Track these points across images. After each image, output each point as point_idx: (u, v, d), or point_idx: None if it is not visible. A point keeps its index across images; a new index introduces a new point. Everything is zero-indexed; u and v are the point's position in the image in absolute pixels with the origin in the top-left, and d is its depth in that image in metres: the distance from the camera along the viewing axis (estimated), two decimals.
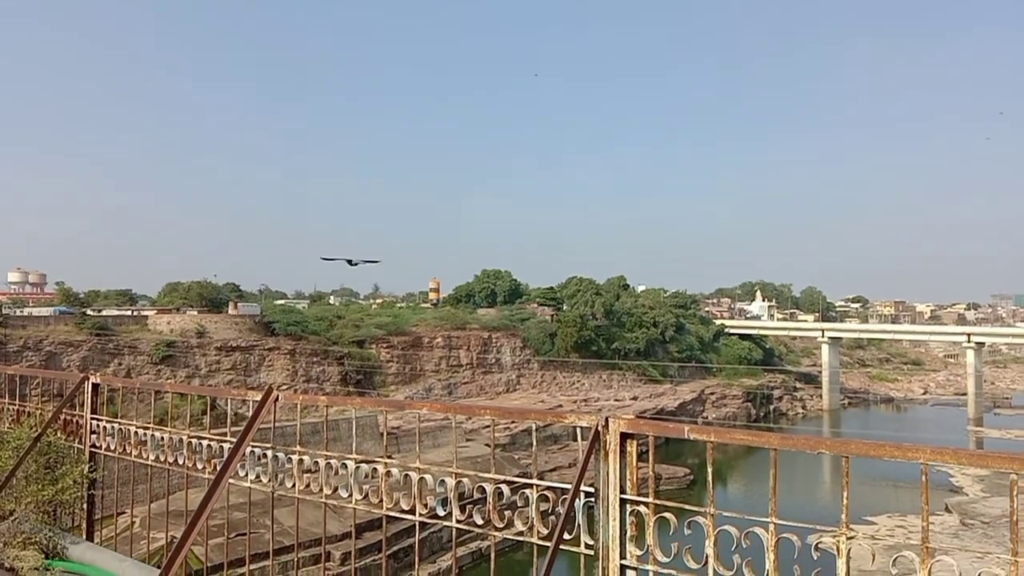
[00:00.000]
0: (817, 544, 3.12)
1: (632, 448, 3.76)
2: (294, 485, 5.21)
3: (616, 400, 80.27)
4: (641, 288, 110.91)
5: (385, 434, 6.12)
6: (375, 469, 4.92)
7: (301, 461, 5.21)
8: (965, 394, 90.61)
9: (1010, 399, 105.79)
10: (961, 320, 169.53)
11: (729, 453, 61.11)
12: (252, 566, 29.84)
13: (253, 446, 5.40)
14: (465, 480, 4.56)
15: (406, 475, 4.71)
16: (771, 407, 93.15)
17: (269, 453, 5.36)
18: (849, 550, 3.02)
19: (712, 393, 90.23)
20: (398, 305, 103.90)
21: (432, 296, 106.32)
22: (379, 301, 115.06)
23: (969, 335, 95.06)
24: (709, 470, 3.47)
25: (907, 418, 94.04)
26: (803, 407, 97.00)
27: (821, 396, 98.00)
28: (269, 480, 5.35)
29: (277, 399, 5.47)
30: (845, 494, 3.05)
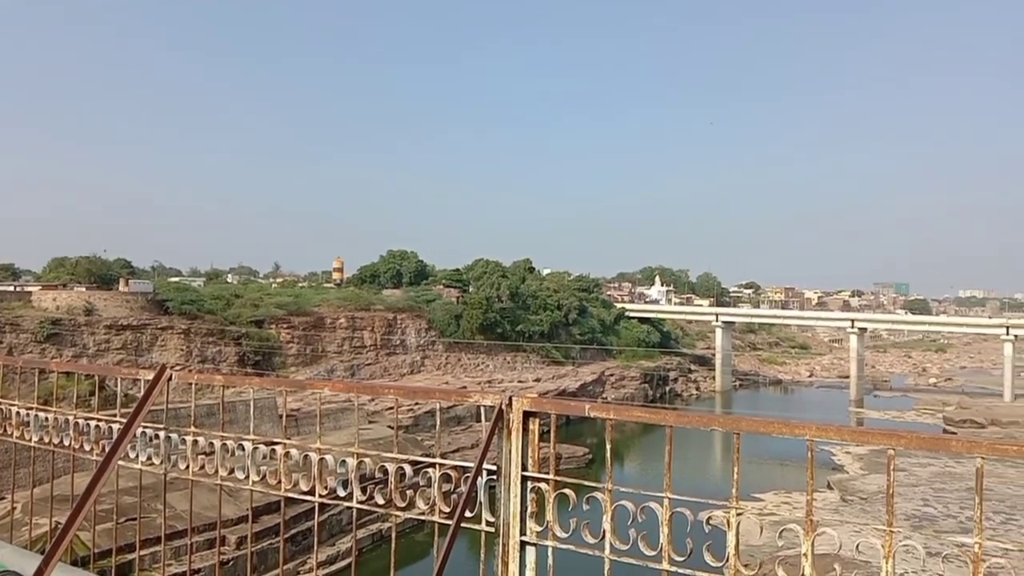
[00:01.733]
0: (709, 519, 3.24)
1: (534, 426, 3.81)
2: (187, 467, 5.04)
3: (520, 381, 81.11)
4: (546, 271, 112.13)
5: (284, 415, 5.99)
6: (273, 450, 4.81)
7: (195, 442, 5.04)
8: (848, 377, 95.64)
9: (889, 382, 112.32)
10: (846, 307, 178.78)
11: (627, 432, 62.73)
12: (143, 551, 28.89)
13: (145, 427, 5.19)
14: (367, 461, 4.52)
15: (305, 456, 4.63)
16: (667, 388, 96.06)
17: (161, 434, 5.16)
18: (739, 524, 3.15)
19: (612, 375, 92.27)
20: (300, 285, 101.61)
21: (336, 276, 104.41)
22: (280, 280, 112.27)
23: (853, 321, 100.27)
24: (608, 447, 3.56)
25: (794, 399, 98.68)
26: (697, 388, 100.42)
27: (714, 378, 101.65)
28: (161, 462, 5.15)
29: (171, 378, 5.26)
30: (736, 469, 3.18)
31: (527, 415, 3.76)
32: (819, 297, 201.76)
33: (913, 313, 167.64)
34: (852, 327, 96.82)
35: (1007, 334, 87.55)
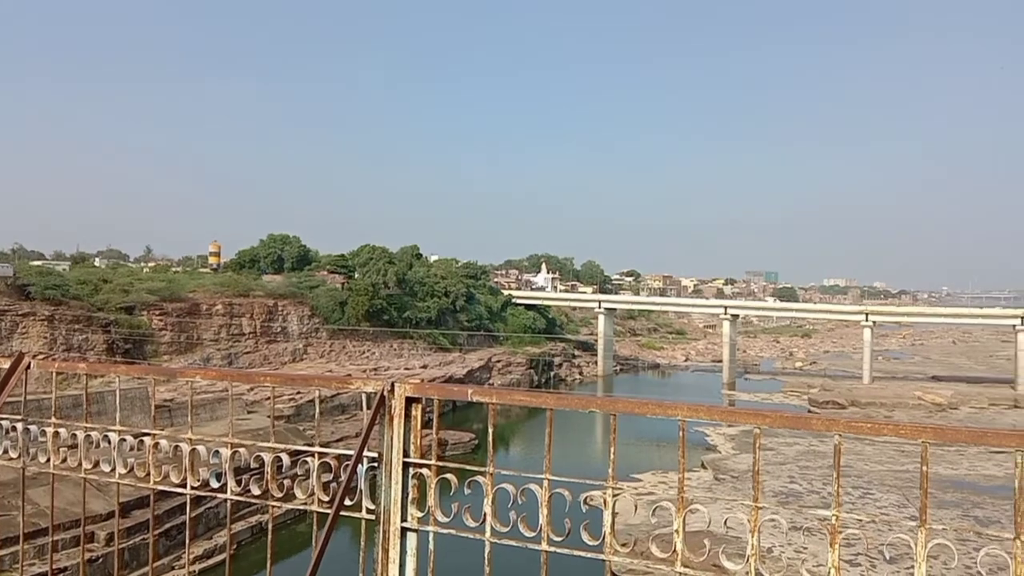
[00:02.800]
0: (586, 499, 3.31)
1: (417, 412, 3.78)
2: (48, 460, 4.73)
3: (407, 368, 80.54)
4: (434, 258, 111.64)
5: (153, 404, 5.71)
6: (142, 441, 4.59)
7: (56, 434, 4.74)
8: (721, 361, 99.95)
9: (758, 365, 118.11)
10: (720, 294, 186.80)
11: (512, 417, 63.47)
12: (2, 551, 27.03)
13: (1, 419, 4.84)
14: (242, 451, 4.37)
15: (176, 447, 4.44)
16: (552, 373, 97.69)
17: (19, 426, 4.82)
18: (615, 503, 3.23)
19: (499, 361, 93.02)
20: (173, 269, 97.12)
21: (212, 260, 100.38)
22: (152, 265, 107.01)
23: (726, 308, 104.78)
24: (490, 431, 3.58)
25: (671, 383, 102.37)
26: (580, 373, 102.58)
27: (597, 363, 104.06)
28: (19, 456, 4.82)
29: (29, 367, 4.92)
30: (612, 450, 3.26)
31: (409, 401, 3.72)
32: (695, 285, 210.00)
33: (781, 300, 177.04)
34: (725, 313, 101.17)
35: (866, 320, 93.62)
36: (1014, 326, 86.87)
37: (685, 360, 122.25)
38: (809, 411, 64.48)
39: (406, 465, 3.70)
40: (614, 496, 3.23)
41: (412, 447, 3.73)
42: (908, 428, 2.94)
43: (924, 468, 2.91)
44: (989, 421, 64.15)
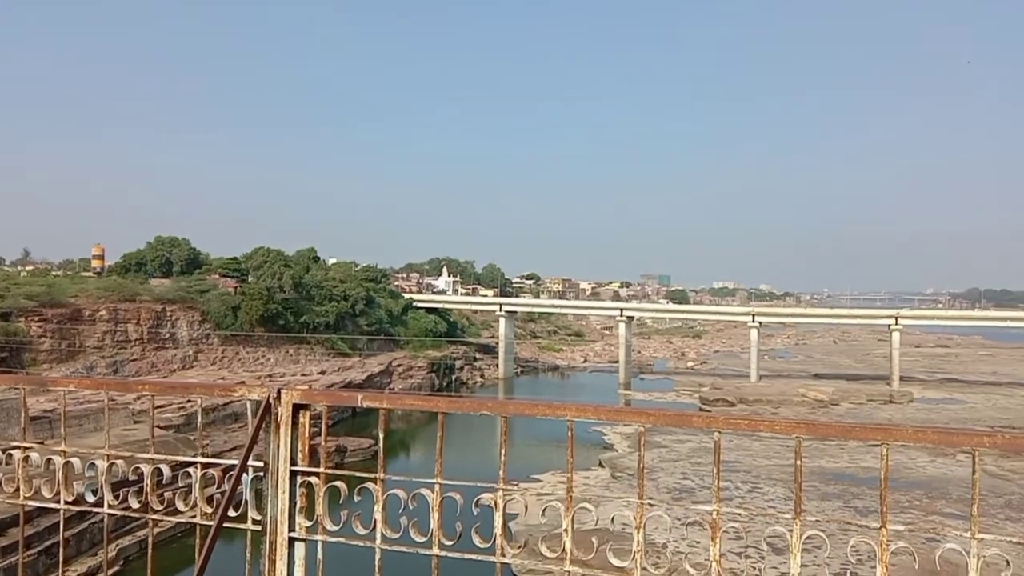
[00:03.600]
0: (477, 500, 3.32)
1: (305, 419, 3.69)
2: None
3: (304, 375, 78.66)
4: (332, 261, 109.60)
5: (25, 415, 5.37)
6: (10, 454, 4.32)
7: None
8: (617, 362, 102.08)
9: (652, 365, 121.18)
10: (616, 296, 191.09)
11: (412, 422, 62.97)
12: None
13: None
14: (119, 463, 4.17)
15: (48, 460, 4.20)
16: (453, 377, 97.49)
17: None
18: (505, 504, 3.24)
19: (399, 365, 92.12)
20: (53, 273, 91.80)
21: (96, 264, 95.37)
22: (30, 268, 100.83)
23: (622, 310, 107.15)
24: (380, 436, 3.53)
25: (570, 384, 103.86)
26: (482, 376, 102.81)
27: (498, 365, 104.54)
28: None
29: None
30: (503, 452, 3.27)
31: (297, 408, 3.63)
32: (593, 288, 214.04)
33: (674, 303, 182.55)
34: (621, 315, 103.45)
35: (753, 321, 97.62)
36: (889, 326, 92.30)
37: (584, 361, 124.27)
38: (700, 409, 66.59)
39: (294, 474, 3.61)
40: (505, 498, 3.25)
41: (300, 455, 3.64)
42: (783, 424, 3.08)
43: (798, 462, 3.05)
44: (867, 416, 67.95)
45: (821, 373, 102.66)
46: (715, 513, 3.07)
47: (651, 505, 3.19)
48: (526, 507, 3.32)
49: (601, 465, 49.45)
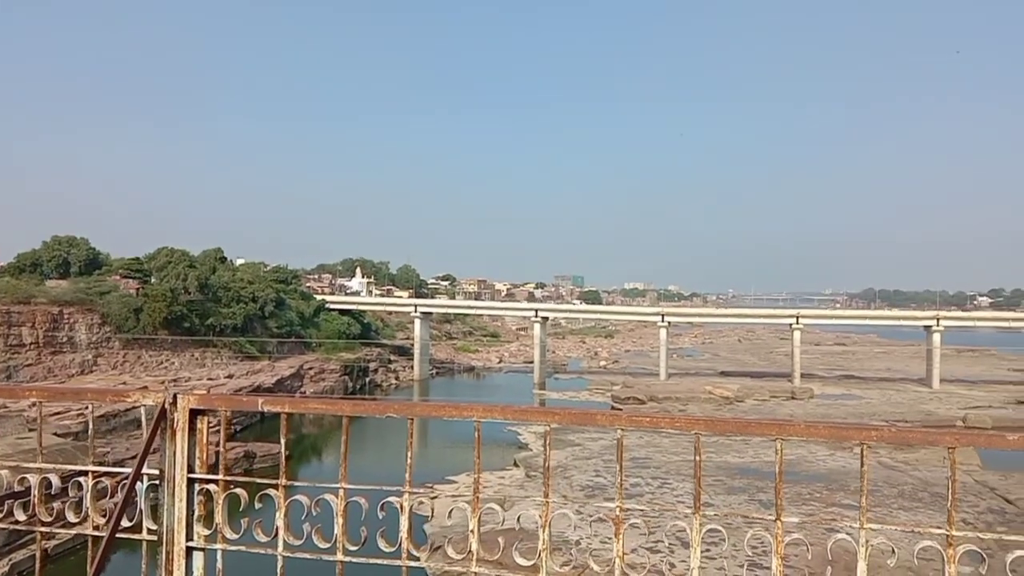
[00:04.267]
0: (383, 504, 3.28)
1: (203, 425, 3.58)
2: None
3: (210, 379, 76.19)
4: (240, 261, 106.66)
5: None
6: None
7: None
8: (532, 362, 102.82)
9: (567, 365, 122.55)
10: (531, 297, 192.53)
11: (325, 426, 61.83)
12: None
13: None
14: (3, 472, 3.95)
15: None
16: (367, 379, 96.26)
17: None
18: (411, 507, 3.22)
19: (311, 368, 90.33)
20: None
21: None
22: None
23: (537, 311, 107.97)
24: (282, 441, 3.45)
25: (485, 384, 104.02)
26: (396, 378, 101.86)
27: (413, 367, 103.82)
28: None
29: None
30: (409, 454, 3.24)
31: (194, 413, 3.51)
32: (508, 289, 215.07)
33: (587, 303, 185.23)
34: (536, 316, 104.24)
35: (662, 321, 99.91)
36: (790, 325, 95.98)
37: (499, 362, 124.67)
38: (612, 407, 67.67)
39: (191, 481, 3.49)
40: (411, 501, 3.22)
41: (198, 462, 3.52)
42: (683, 421, 3.15)
43: (697, 458, 3.13)
44: (770, 411, 70.46)
45: (727, 371, 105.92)
46: (618, 510, 3.12)
47: (557, 503, 3.21)
48: (432, 510, 3.29)
49: (516, 465, 49.67)
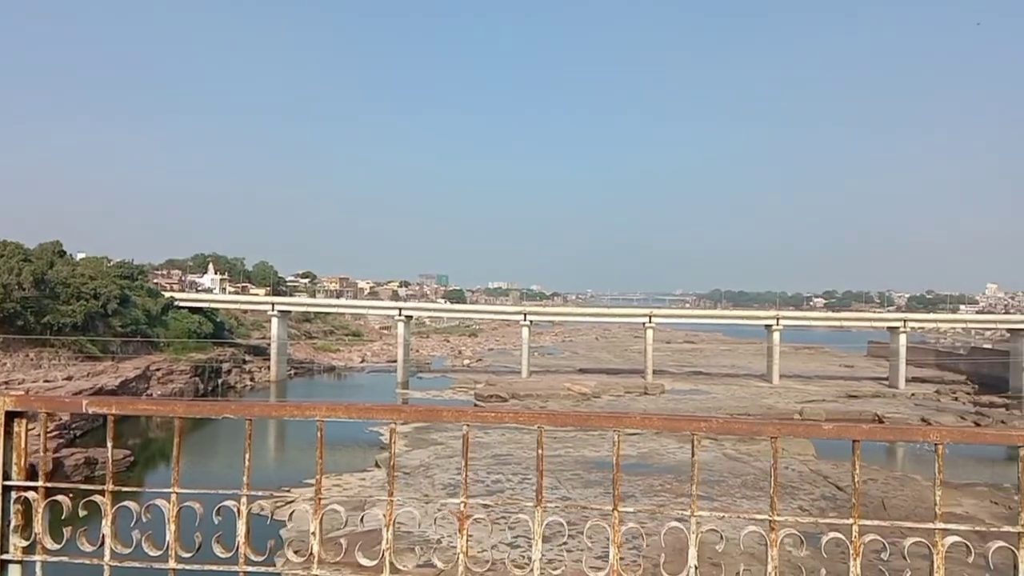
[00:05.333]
0: (217, 509, 3.16)
1: (22, 428, 3.32)
2: None
3: (47, 381, 70.83)
4: (81, 256, 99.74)
5: None
6: None
7: None
8: (396, 361, 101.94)
9: (430, 364, 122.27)
10: (395, 296, 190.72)
11: (172, 430, 58.76)
12: None
13: None
14: None
15: None
16: (220, 380, 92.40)
17: None
18: (249, 510, 3.12)
19: (158, 369, 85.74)
20: None
21: None
22: None
23: (400, 309, 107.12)
24: (109, 445, 3.26)
25: (346, 384, 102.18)
26: (252, 379, 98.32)
27: (270, 368, 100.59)
28: None
29: None
30: (247, 456, 3.15)
31: (11, 415, 3.26)
32: (371, 287, 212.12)
33: (452, 302, 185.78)
34: (400, 315, 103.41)
35: (524, 320, 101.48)
36: (644, 323, 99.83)
37: (361, 361, 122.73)
38: (475, 404, 68.05)
39: (6, 489, 3.24)
40: (248, 504, 3.12)
41: (15, 468, 3.27)
42: (526, 415, 3.22)
43: (539, 451, 3.20)
44: (624, 406, 73.00)
45: (585, 368, 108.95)
46: (463, 506, 3.15)
47: (401, 501, 3.20)
48: (271, 513, 3.21)
49: (377, 465, 49.06)
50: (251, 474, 3.11)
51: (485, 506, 3.29)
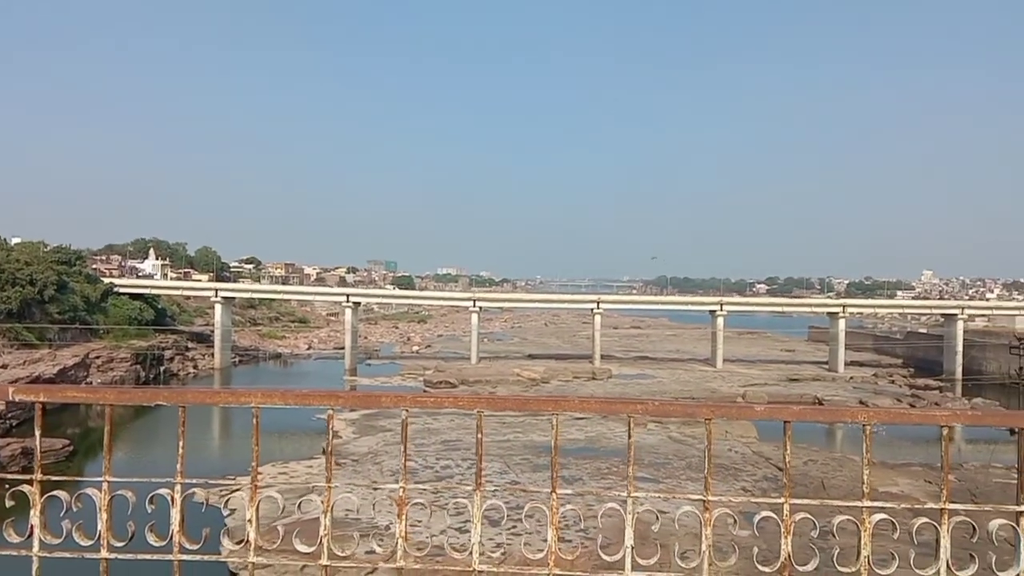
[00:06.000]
0: (151, 497, 3.11)
1: None
2: None
3: None
4: (16, 241, 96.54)
5: None
6: None
7: None
8: (343, 348, 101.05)
9: (379, 350, 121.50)
10: (342, 282, 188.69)
11: (118, 418, 57.38)
12: None
13: None
14: None
15: None
16: (162, 368, 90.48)
17: None
18: (183, 500, 3.08)
19: (98, 357, 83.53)
20: None
21: None
22: None
23: (348, 296, 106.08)
24: (37, 434, 3.18)
25: (293, 372, 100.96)
26: (195, 367, 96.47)
27: (214, 355, 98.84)
28: None
29: None
30: (181, 443, 3.10)
31: None
32: (318, 273, 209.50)
33: (400, 288, 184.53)
34: (347, 301, 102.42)
35: (474, 306, 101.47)
36: (592, 309, 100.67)
37: (308, 348, 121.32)
38: (424, 391, 67.96)
39: None
40: (184, 492, 3.07)
41: None
42: (466, 399, 3.23)
43: (479, 436, 3.22)
44: (572, 391, 73.64)
45: (534, 354, 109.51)
46: (402, 491, 3.15)
47: (340, 488, 3.19)
48: (206, 500, 3.16)
49: (324, 452, 48.74)
50: (185, 462, 3.07)
51: (424, 491, 3.29)
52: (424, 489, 3.27)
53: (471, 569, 3.17)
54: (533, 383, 77.29)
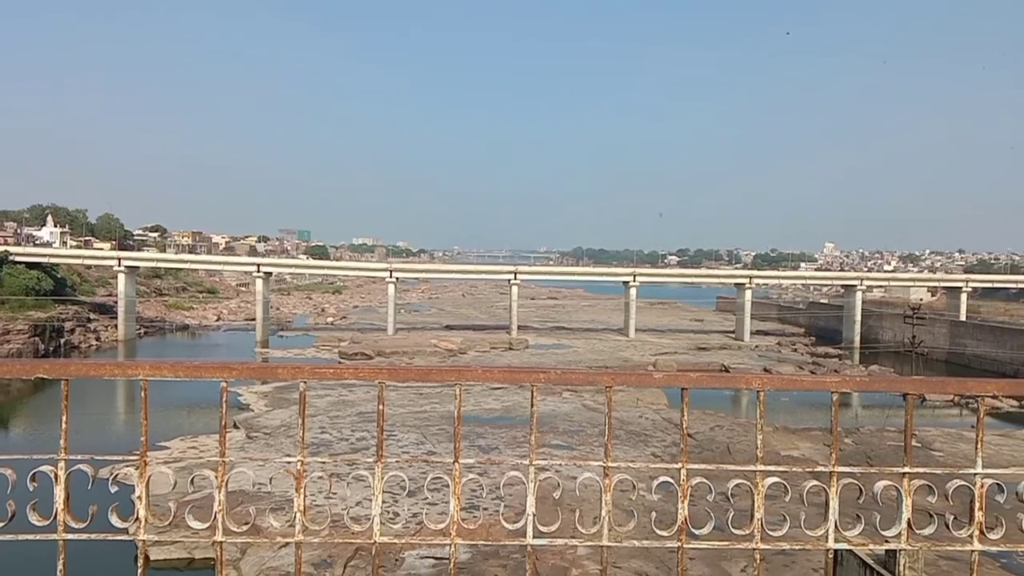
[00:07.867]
0: (34, 475, 2.97)
1: None
2: None
3: None
4: None
5: None
6: None
7: None
8: (254, 319, 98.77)
9: (292, 322, 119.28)
10: (253, 252, 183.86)
11: (13, 393, 55.06)
12: None
13: None
14: None
15: None
16: (63, 340, 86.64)
17: None
18: (68, 476, 2.95)
19: None
20: None
21: None
22: None
23: (259, 265, 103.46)
24: None
25: (202, 344, 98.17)
26: (98, 339, 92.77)
27: (117, 327, 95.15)
28: None
29: None
30: (64, 418, 2.96)
31: None
32: (227, 242, 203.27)
33: (314, 258, 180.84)
34: (258, 271, 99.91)
35: (391, 277, 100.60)
36: (509, 280, 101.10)
37: (217, 320, 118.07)
38: (339, 363, 67.12)
39: None
40: (67, 469, 2.94)
41: None
42: (367, 370, 3.19)
43: (381, 407, 3.18)
44: (489, 361, 74.06)
45: (452, 324, 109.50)
46: (300, 464, 3.10)
47: (233, 462, 3.11)
48: (93, 477, 3.04)
49: (236, 427, 47.71)
50: (68, 437, 2.93)
51: (324, 464, 3.25)
52: (323, 462, 3.22)
53: (371, 541, 3.16)
54: (450, 354, 77.35)
